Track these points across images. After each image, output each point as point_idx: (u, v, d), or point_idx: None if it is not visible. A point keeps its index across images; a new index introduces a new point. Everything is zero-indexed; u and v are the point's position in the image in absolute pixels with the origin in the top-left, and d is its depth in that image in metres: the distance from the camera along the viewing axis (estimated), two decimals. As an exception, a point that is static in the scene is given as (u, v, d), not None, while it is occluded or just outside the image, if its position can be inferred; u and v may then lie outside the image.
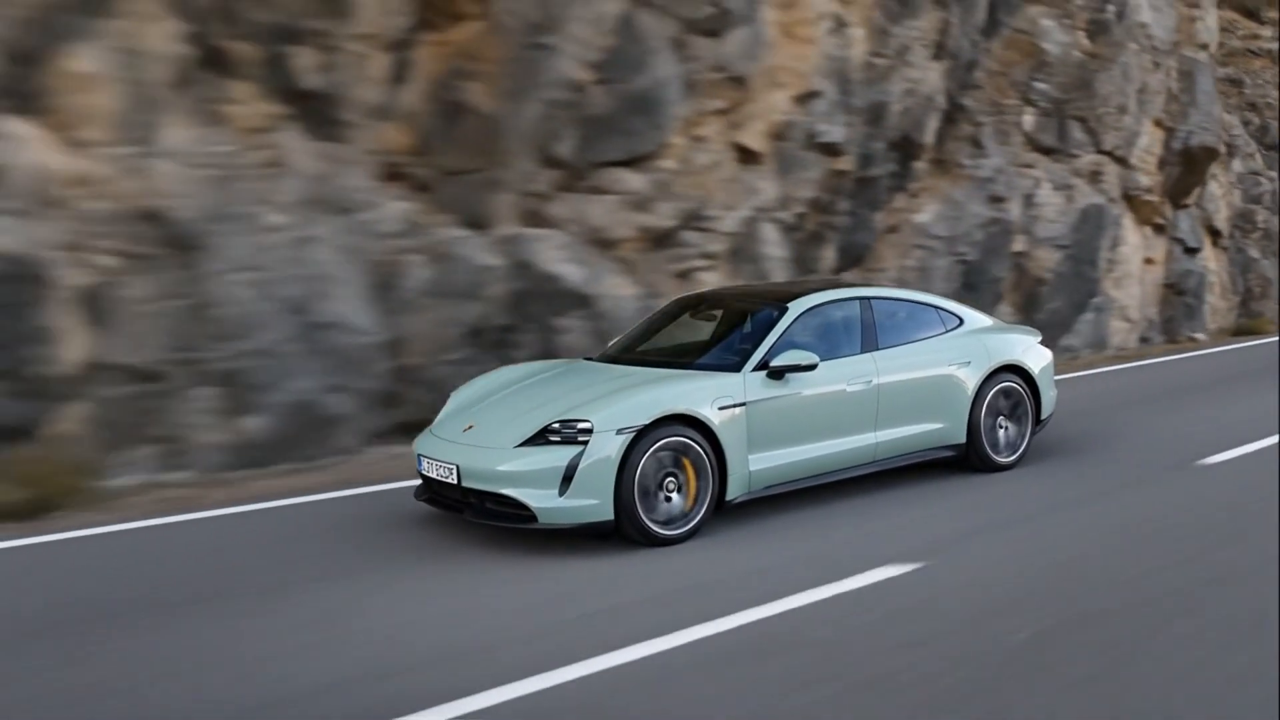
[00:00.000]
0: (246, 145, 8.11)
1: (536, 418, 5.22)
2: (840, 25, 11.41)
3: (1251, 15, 25.67)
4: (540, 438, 5.09)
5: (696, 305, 6.94)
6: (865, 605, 4.41)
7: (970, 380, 6.49)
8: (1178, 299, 15.58)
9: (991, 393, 6.58)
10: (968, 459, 6.55)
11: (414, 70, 8.90)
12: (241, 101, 8.14)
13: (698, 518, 5.28)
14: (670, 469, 5.20)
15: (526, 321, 8.97)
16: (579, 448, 4.97)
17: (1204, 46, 16.52)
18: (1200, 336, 15.73)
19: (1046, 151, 13.71)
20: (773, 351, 5.70)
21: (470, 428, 5.45)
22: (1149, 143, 14.83)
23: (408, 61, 8.87)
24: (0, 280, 6.59)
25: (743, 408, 5.44)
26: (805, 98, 10.96)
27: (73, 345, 6.92)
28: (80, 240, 7.06)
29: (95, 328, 7.06)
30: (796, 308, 6.02)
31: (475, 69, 9.02)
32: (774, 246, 10.75)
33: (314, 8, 8.28)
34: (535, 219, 9.30)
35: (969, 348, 6.60)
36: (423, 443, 5.65)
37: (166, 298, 7.43)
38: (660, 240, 9.87)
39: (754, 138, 10.56)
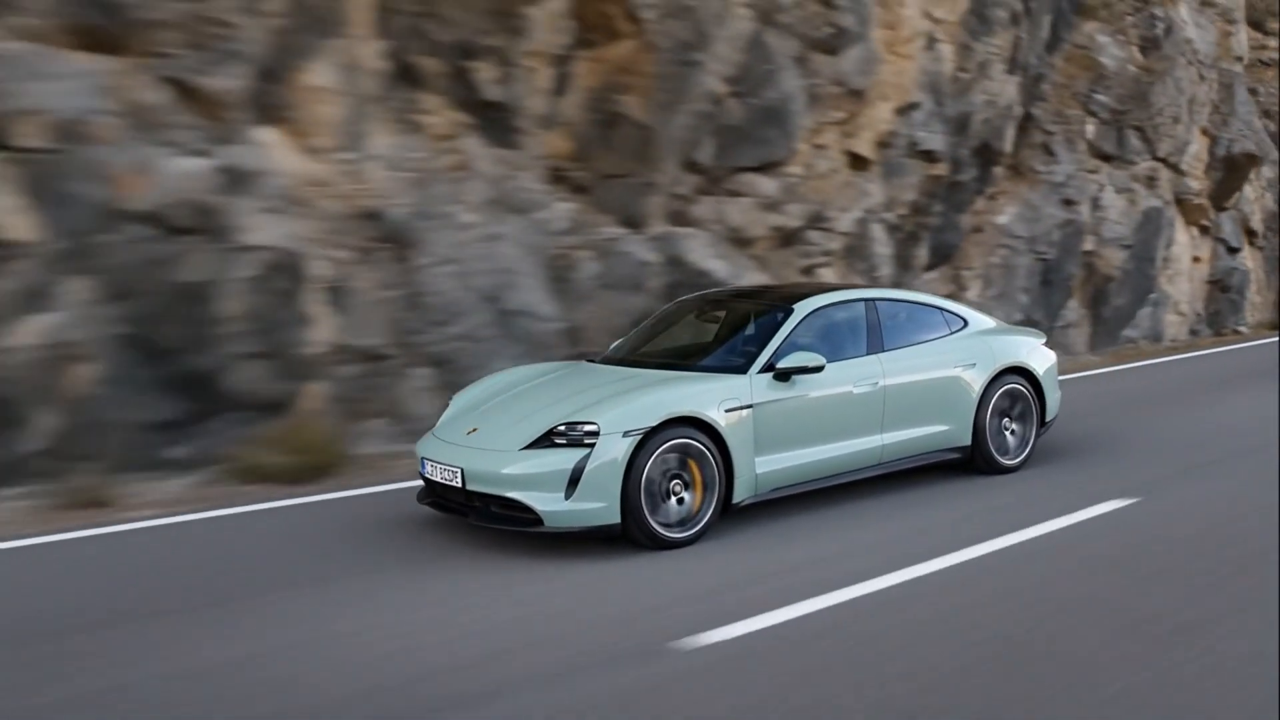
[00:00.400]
0: (438, 151, 8.97)
1: (541, 420, 5.13)
2: (932, 42, 12.38)
3: (1257, 27, 26.90)
4: (545, 440, 5.01)
5: (700, 307, 6.83)
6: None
7: (976, 382, 6.39)
8: (1222, 295, 16.64)
9: (997, 395, 6.48)
10: (973, 461, 6.44)
11: (574, 83, 9.78)
12: (432, 111, 9.01)
13: (704, 521, 5.19)
14: (676, 472, 5.12)
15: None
16: (585, 450, 4.89)
17: (1239, 59, 17.61)
18: (1244, 329, 16.79)
19: (1107, 158, 14.72)
20: (779, 353, 5.61)
21: (474, 431, 5.35)
22: (1197, 150, 15.90)
23: (569, 75, 9.75)
24: (268, 270, 7.40)
25: (749, 410, 5.36)
26: (905, 109, 11.91)
27: (320, 329, 7.75)
28: (321, 235, 7.89)
29: (335, 314, 7.89)
30: (802, 309, 5.93)
31: (629, 82, 9.91)
32: (881, 245, 11.68)
33: (492, 26, 9.16)
34: (681, 219, 10.19)
35: (974, 349, 6.50)
36: (426, 446, 5.53)
37: (387, 287, 8.28)
38: (788, 239, 10.78)
39: (864, 146, 11.50)
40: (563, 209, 9.60)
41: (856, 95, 11.13)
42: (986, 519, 5.67)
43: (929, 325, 6.47)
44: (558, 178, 9.74)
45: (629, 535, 5.01)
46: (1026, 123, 13.99)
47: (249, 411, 7.35)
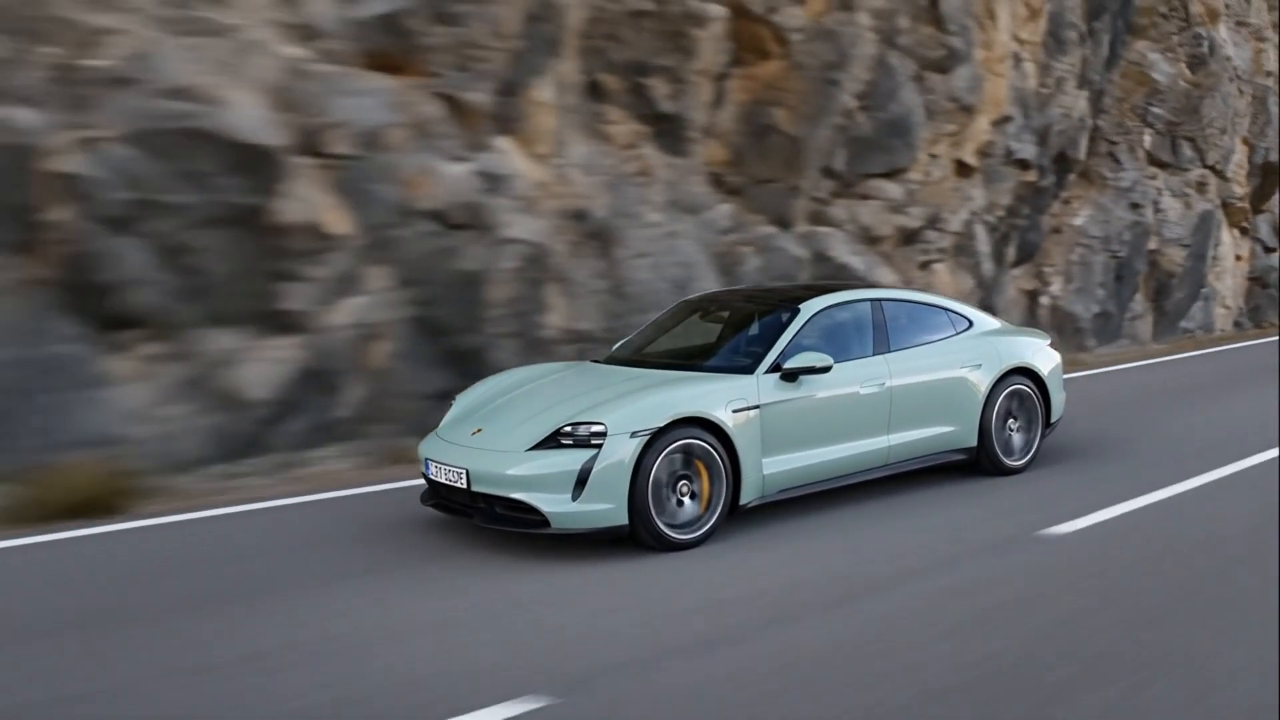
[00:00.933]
0: (623, 158, 10.13)
1: (547, 420, 5.05)
2: (1019, 61, 13.67)
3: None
4: (552, 441, 4.93)
5: (704, 308, 6.77)
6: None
7: (982, 383, 6.32)
8: (1261, 290, 18.08)
9: (1003, 396, 6.41)
10: (979, 463, 6.38)
11: (730, 97, 10.96)
12: (616, 123, 10.16)
13: (711, 522, 5.11)
14: (683, 473, 5.04)
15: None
16: (593, 451, 4.82)
17: (1270, 74, 19.08)
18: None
19: (1163, 166, 16.09)
20: (785, 353, 5.54)
21: (479, 431, 5.28)
22: (1239, 158, 17.32)
23: (725, 91, 10.93)
24: (523, 261, 8.52)
25: (756, 410, 5.27)
26: (1001, 121, 13.18)
27: (555, 315, 8.88)
28: (551, 231, 9.02)
29: (565, 301, 9.01)
30: (808, 309, 5.86)
31: (778, 98, 11.10)
32: (982, 244, 12.94)
33: (665, 47, 10.33)
34: (821, 219, 11.39)
35: (980, 350, 6.43)
36: (429, 447, 5.45)
37: (598, 277, 9.42)
38: (909, 237, 12.01)
39: (969, 154, 12.76)
40: (724, 210, 10.78)
41: (966, 110, 12.38)
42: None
43: (934, 326, 6.39)
44: (717, 182, 10.92)
45: (636, 537, 4.92)
46: (1094, 133, 15.32)
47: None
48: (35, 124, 6.49)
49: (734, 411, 5.18)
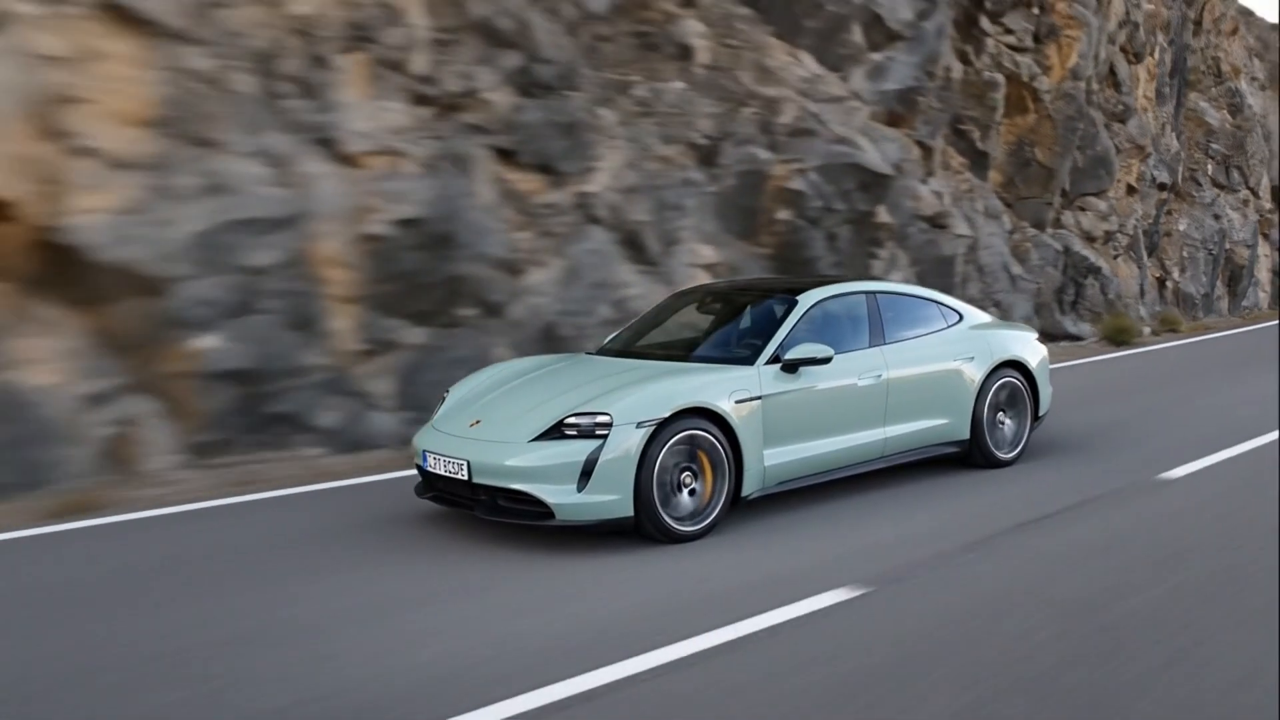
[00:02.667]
0: (959, 181, 14.78)
1: (550, 411, 4.99)
2: (1145, 110, 18.93)
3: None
4: (555, 432, 4.86)
5: (699, 300, 6.70)
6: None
7: (975, 376, 6.32)
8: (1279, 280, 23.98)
9: (994, 388, 6.41)
10: (971, 456, 6.36)
11: (1000, 139, 15.74)
12: (952, 158, 14.82)
13: (714, 513, 5.07)
14: (686, 464, 4.98)
15: (1080, 281, 15.90)
16: (598, 441, 4.75)
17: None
18: (1295, 307, 24.20)
19: (1221, 188, 21.65)
20: (785, 345, 5.51)
21: (478, 423, 5.20)
22: (1267, 182, 23.12)
23: (997, 133, 15.71)
24: (968, 250, 13.04)
25: (758, 401, 5.23)
26: (1146, 154, 18.37)
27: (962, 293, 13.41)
28: (949, 239, 13.56)
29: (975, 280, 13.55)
30: (806, 300, 5.84)
31: (1034, 139, 15.93)
32: (1139, 243, 18.05)
33: (975, 105, 15.04)
34: (1058, 224, 16.24)
35: (972, 343, 6.44)
36: (426, 438, 5.35)
37: (966, 264, 13.97)
38: (1108, 238, 17.00)
39: (1133, 179, 17.87)
40: (1007, 218, 15.52)
41: (1139, 148, 17.50)
42: None
43: (926, 319, 6.38)
44: (1000, 198, 15.67)
45: (640, 528, 4.87)
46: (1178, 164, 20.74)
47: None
48: (766, 157, 10.74)
49: (736, 402, 5.13)
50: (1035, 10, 15.77)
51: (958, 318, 6.57)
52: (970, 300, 12.35)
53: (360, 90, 8.11)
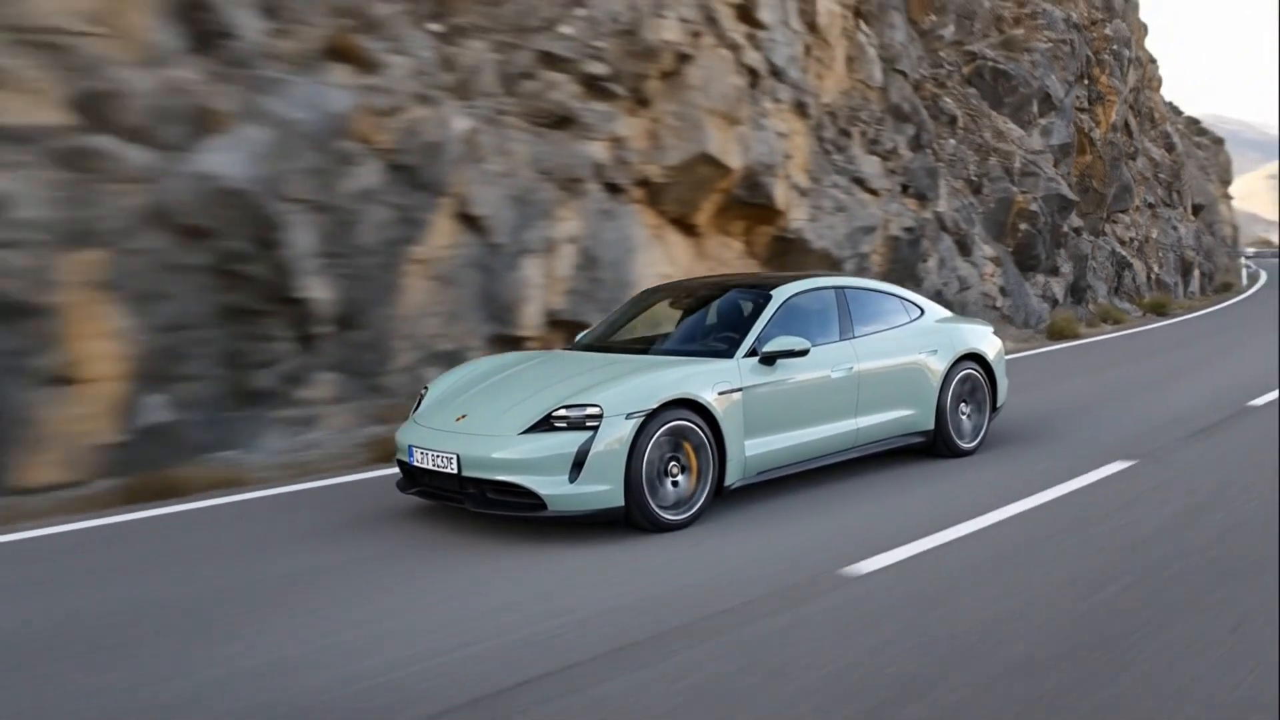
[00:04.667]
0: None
1: (538, 404, 5.00)
2: (1136, 155, 26.03)
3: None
4: (545, 424, 4.87)
5: (669, 295, 6.80)
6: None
7: (938, 368, 6.49)
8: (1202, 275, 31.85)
9: (955, 380, 6.59)
10: (934, 446, 6.53)
11: (1070, 171, 22.27)
12: (1049, 186, 21.18)
13: (700, 503, 5.12)
14: (672, 455, 5.03)
15: (1120, 273, 22.57)
16: (589, 433, 4.78)
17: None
18: None
19: (1171, 206, 29.13)
20: (762, 337, 5.59)
21: (463, 417, 5.20)
22: (1190, 203, 30.95)
23: (1067, 167, 22.23)
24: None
25: (740, 393, 5.32)
26: (1145, 182, 25.40)
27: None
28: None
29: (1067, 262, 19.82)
30: (780, 295, 5.94)
31: (1091, 171, 22.51)
32: (1143, 247, 25.06)
33: (999, 140, 21.47)
34: (1098, 232, 22.90)
35: (935, 337, 6.63)
36: (410, 433, 5.34)
37: (1048, 258, 20.31)
38: (1130, 242, 23.84)
39: (1139, 200, 24.84)
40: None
41: (1144, 178, 24.44)
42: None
43: (891, 313, 6.55)
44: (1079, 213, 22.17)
45: (630, 518, 4.92)
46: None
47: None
48: (1012, 190, 16.60)
49: (720, 394, 5.22)
50: (1086, 82, 22.37)
51: (920, 312, 6.75)
52: (1073, 285, 18.59)
53: (863, 149, 13.48)
